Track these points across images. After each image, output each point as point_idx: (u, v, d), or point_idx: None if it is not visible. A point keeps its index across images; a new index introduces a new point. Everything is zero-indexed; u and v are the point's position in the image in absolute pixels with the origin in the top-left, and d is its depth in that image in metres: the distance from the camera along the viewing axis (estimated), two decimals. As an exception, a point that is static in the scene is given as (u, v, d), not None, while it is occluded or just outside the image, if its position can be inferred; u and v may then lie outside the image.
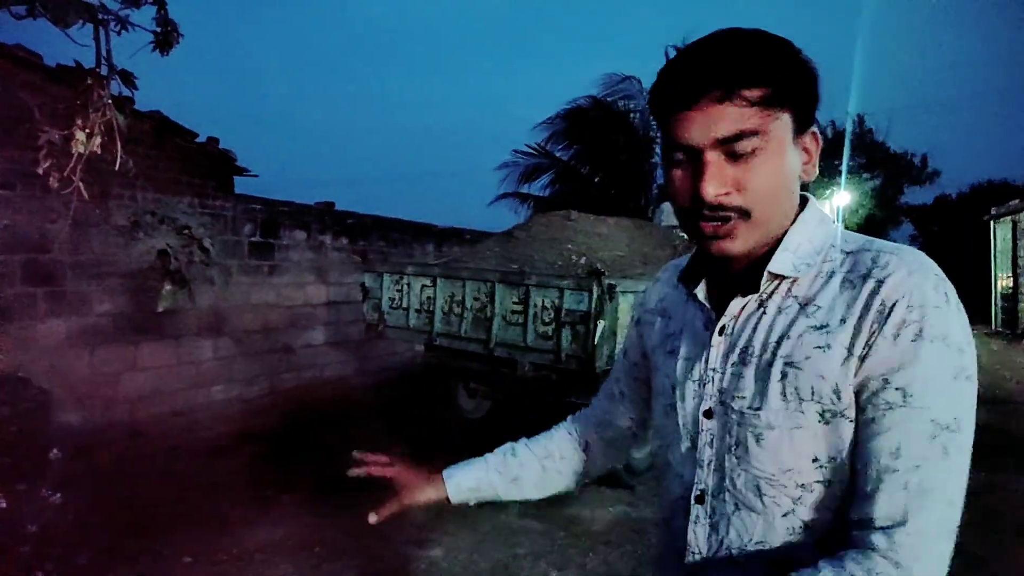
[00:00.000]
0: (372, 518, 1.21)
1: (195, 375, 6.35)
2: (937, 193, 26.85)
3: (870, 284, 0.85)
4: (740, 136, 0.84)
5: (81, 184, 2.95)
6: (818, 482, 0.87)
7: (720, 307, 0.97)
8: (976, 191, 27.23)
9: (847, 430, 0.85)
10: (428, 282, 5.59)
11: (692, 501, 0.97)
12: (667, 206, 10.06)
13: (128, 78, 3.03)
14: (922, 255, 0.88)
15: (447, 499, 1.24)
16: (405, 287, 5.74)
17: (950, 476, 0.80)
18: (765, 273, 0.91)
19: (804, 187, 0.95)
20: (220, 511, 4.53)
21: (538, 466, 1.28)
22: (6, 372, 4.79)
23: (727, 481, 0.93)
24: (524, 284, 4.92)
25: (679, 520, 1.00)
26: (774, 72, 0.84)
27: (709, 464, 0.96)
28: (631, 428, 1.28)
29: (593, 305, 4.45)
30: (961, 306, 0.85)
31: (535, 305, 4.83)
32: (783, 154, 0.87)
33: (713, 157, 0.85)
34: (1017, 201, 15.93)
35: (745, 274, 0.94)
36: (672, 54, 0.90)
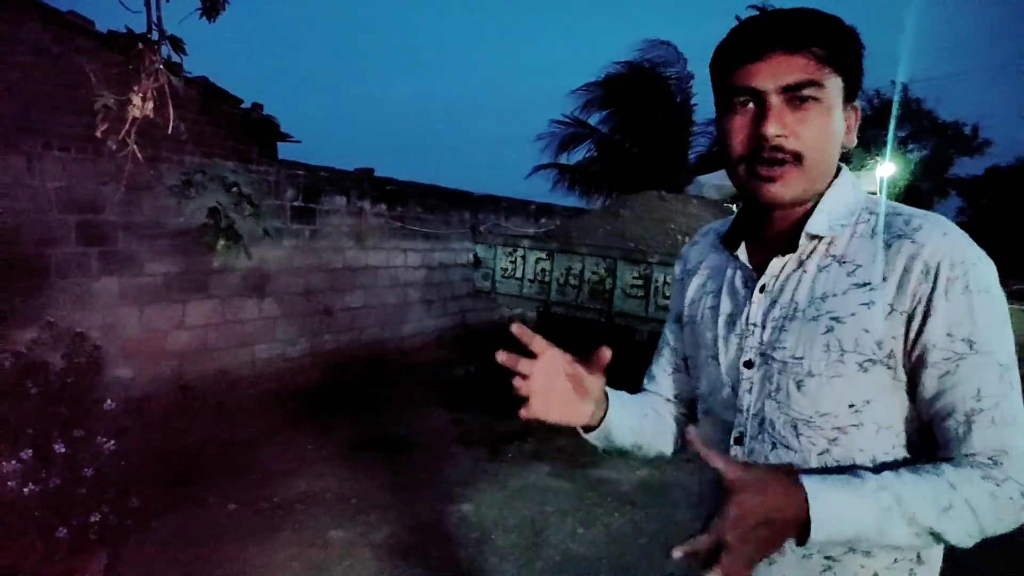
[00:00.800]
0: (523, 412, 1.00)
1: (240, 333, 6.57)
2: (988, 164, 25.95)
3: (907, 246, 0.94)
4: (804, 84, 0.94)
5: (136, 147, 3.10)
6: (852, 425, 0.96)
7: (759, 267, 1.07)
8: (1030, 162, 26.28)
9: (884, 377, 0.94)
10: (543, 255, 6.15)
11: (732, 443, 1.07)
12: (704, 179, 10.16)
13: (178, 44, 3.14)
14: (946, 219, 0.97)
15: (589, 426, 1.12)
16: (519, 259, 6.32)
17: (1019, 404, 0.91)
18: (803, 234, 1.00)
19: (845, 158, 1.05)
20: (262, 463, 4.75)
21: (668, 424, 1.29)
22: (63, 327, 5.04)
23: (766, 423, 1.03)
24: (647, 262, 5.45)
25: None
26: (833, 38, 0.95)
27: (748, 409, 1.05)
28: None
29: None
30: (990, 260, 0.95)
31: (656, 280, 5.34)
32: (833, 113, 0.97)
33: (776, 102, 0.95)
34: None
35: (784, 235, 1.03)
36: (745, 16, 1.01)
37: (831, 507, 0.83)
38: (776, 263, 1.03)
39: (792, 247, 1.01)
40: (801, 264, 1.02)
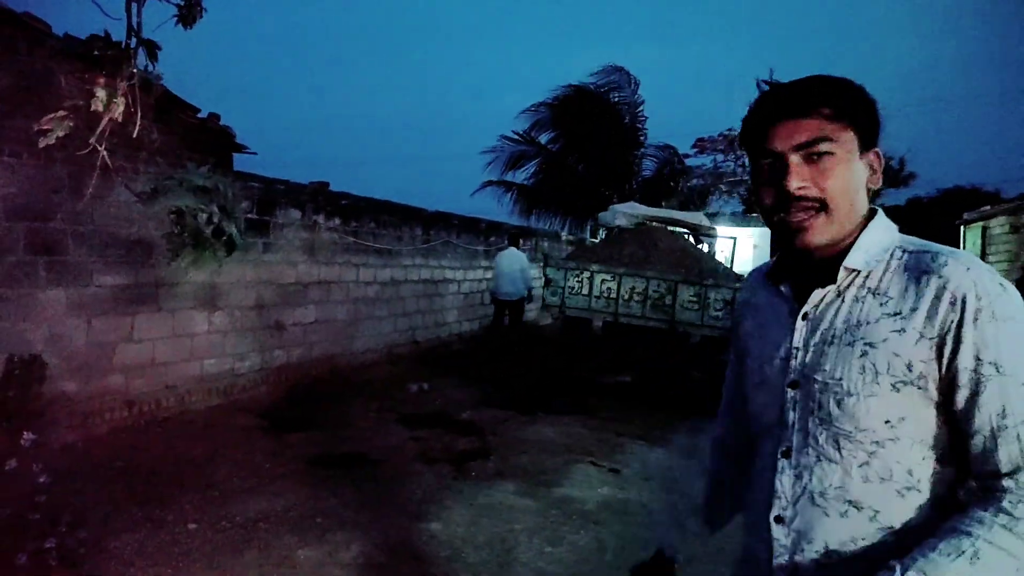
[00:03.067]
0: None
1: (189, 347, 6.40)
2: (910, 195, 27.42)
3: (935, 280, 1.05)
4: (816, 141, 1.08)
5: (105, 153, 3.03)
6: (889, 439, 1.07)
7: (801, 298, 1.19)
8: (947, 195, 27.82)
9: (916, 396, 1.05)
10: (609, 276, 7.89)
11: (779, 456, 1.17)
12: (617, 207, 11.29)
13: (153, 50, 3.10)
14: (970, 254, 1.09)
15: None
16: (586, 279, 7.96)
17: None
18: (841, 268, 1.12)
19: (873, 199, 1.18)
20: (219, 481, 4.63)
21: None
22: (7, 339, 4.82)
23: (811, 438, 1.13)
24: (703, 284, 7.66)
25: (767, 473, 1.20)
26: (839, 97, 1.10)
27: (794, 425, 1.16)
28: None
29: None
30: (1015, 289, 1.05)
31: (708, 297, 7.47)
32: (850, 162, 1.10)
33: (795, 159, 1.10)
34: (988, 207, 16.38)
35: (824, 269, 1.15)
36: (763, 87, 1.16)
37: None
38: (817, 294, 1.15)
39: (831, 279, 1.13)
40: (840, 295, 1.13)
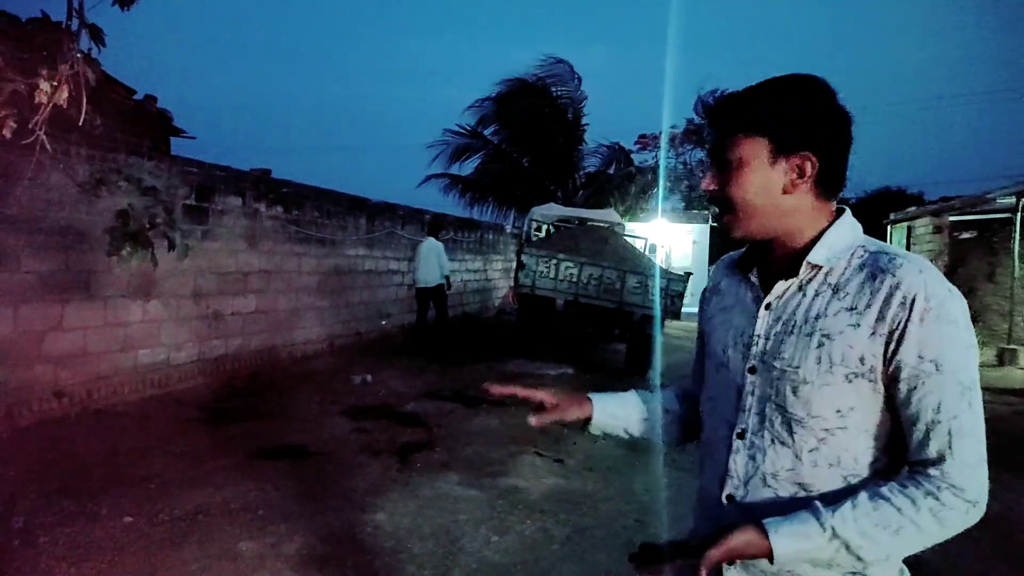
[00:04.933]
0: (532, 420, 1.40)
1: (123, 337, 6.19)
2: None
3: (889, 279, 1.12)
4: (720, 149, 1.22)
5: (45, 137, 2.91)
6: (839, 427, 1.14)
7: (766, 288, 1.25)
8: (874, 197, 29.01)
9: (866, 388, 1.12)
10: (572, 264, 9.47)
11: (734, 437, 1.24)
12: (535, 209, 13.29)
13: (97, 33, 2.99)
14: (924, 259, 1.15)
15: (588, 420, 1.45)
16: (554, 265, 9.46)
17: (976, 421, 1.09)
18: (805, 262, 1.19)
19: (844, 200, 1.28)
20: (155, 473, 4.51)
21: (660, 415, 1.52)
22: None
23: (766, 421, 1.20)
24: (645, 273, 9.48)
25: (721, 454, 1.27)
26: (745, 110, 1.19)
27: (751, 408, 1.23)
28: None
29: (685, 285, 9.49)
30: (960, 294, 1.12)
31: (649, 284, 9.22)
32: (759, 168, 1.19)
33: (713, 164, 1.25)
34: (914, 208, 17.15)
35: (788, 263, 1.23)
36: (708, 102, 1.26)
37: (792, 553, 1.08)
38: (780, 285, 1.22)
39: (794, 273, 1.20)
40: (801, 288, 1.20)
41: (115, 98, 5.81)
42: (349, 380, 7.75)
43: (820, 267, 1.19)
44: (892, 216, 18.26)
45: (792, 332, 1.18)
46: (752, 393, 1.23)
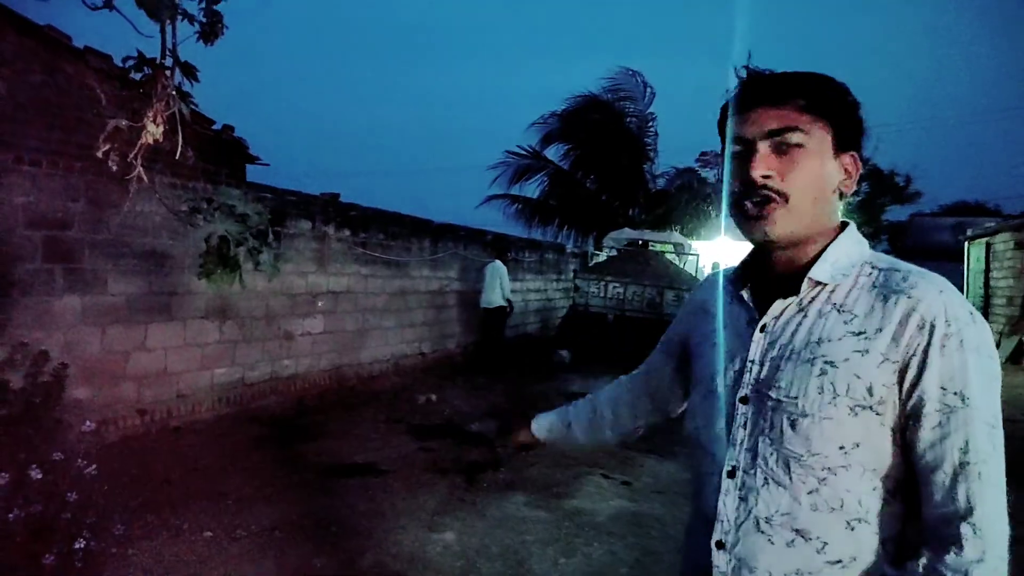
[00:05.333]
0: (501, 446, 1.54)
1: (200, 357, 6.44)
2: (913, 211, 27.56)
3: (904, 300, 0.99)
4: (786, 130, 1.05)
5: (141, 169, 3.09)
6: (841, 467, 1.00)
7: (762, 308, 1.13)
8: (950, 211, 27.98)
9: (873, 423, 0.99)
10: (619, 285, 11.76)
11: (723, 476, 1.09)
12: (611, 235, 15.00)
13: (190, 70, 3.15)
14: (942, 277, 1.03)
15: (537, 439, 1.69)
16: (603, 286, 11.82)
17: (1001, 468, 0.95)
18: (806, 279, 1.07)
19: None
20: (231, 489, 4.66)
21: (587, 418, 1.61)
22: (22, 344, 4.86)
23: (759, 459, 1.05)
24: (681, 288, 11.28)
25: (710, 494, 1.12)
26: (816, 90, 1.06)
27: (742, 443, 1.08)
28: (652, 400, 1.54)
29: None
30: (983, 319, 1.00)
31: (686, 297, 9.95)
32: (821, 159, 1.06)
33: (763, 148, 1.06)
34: (993, 223, 16.45)
35: (787, 280, 1.10)
36: (741, 74, 1.14)
37: None
38: (778, 305, 1.09)
39: (795, 291, 1.08)
40: (802, 308, 1.07)
41: (198, 129, 6.07)
42: (414, 399, 7.86)
43: (824, 285, 1.06)
44: (969, 232, 17.54)
45: (790, 358, 1.05)
46: (744, 426, 1.08)
